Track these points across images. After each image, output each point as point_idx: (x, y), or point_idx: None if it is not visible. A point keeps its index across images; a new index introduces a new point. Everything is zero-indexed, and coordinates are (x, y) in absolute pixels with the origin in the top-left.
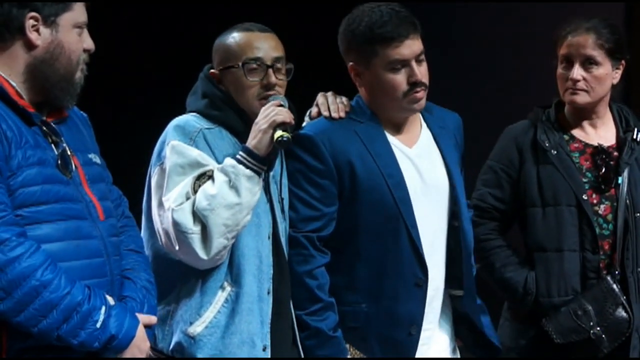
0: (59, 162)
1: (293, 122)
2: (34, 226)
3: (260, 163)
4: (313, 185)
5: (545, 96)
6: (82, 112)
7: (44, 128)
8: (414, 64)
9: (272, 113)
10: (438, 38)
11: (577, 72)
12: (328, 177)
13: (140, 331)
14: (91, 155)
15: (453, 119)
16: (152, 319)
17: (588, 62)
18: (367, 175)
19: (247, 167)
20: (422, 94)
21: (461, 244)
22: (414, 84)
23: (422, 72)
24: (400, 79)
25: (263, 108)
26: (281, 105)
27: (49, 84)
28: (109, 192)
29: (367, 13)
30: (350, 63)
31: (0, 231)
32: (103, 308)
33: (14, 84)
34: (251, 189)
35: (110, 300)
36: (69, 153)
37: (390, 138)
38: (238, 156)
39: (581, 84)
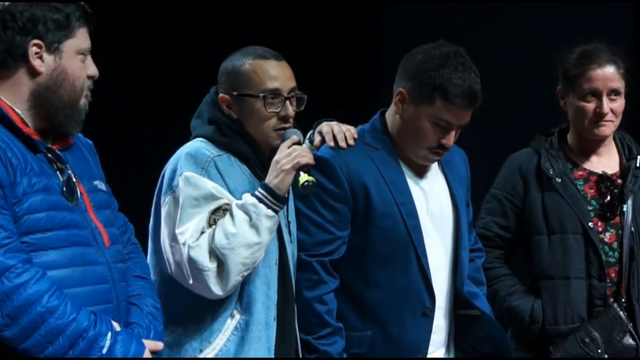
0: (64, 189)
1: (313, 162)
2: (39, 253)
3: (280, 202)
4: (327, 209)
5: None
6: (87, 139)
7: (49, 155)
8: (453, 130)
9: (295, 154)
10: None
11: (607, 105)
12: (343, 201)
13: (147, 357)
14: (96, 182)
15: (459, 154)
16: (159, 345)
17: (613, 94)
18: (381, 202)
19: (269, 206)
20: (441, 155)
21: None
22: (441, 146)
23: (455, 138)
24: (434, 134)
25: (283, 145)
26: (299, 142)
27: (53, 111)
28: (115, 218)
29: (450, 63)
30: (402, 89)
31: (6, 258)
32: (109, 334)
33: (18, 111)
34: (270, 228)
35: (117, 326)
36: (74, 180)
37: (404, 166)
38: (259, 194)
39: (609, 116)
